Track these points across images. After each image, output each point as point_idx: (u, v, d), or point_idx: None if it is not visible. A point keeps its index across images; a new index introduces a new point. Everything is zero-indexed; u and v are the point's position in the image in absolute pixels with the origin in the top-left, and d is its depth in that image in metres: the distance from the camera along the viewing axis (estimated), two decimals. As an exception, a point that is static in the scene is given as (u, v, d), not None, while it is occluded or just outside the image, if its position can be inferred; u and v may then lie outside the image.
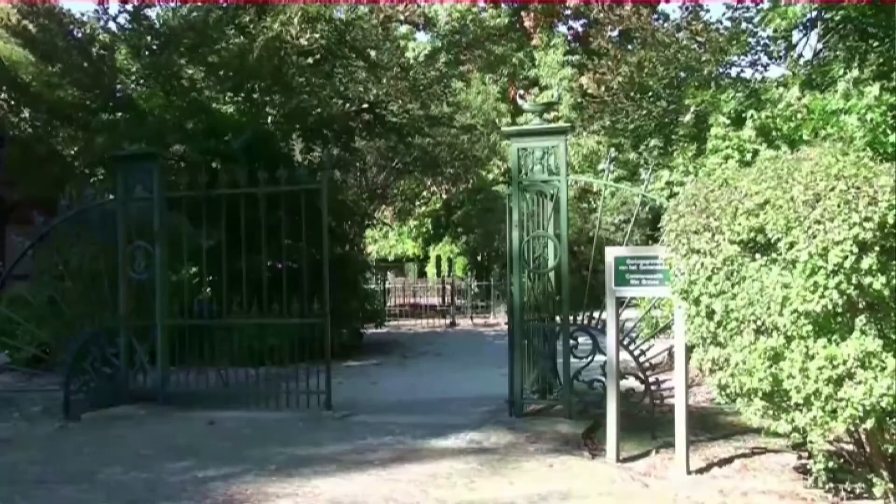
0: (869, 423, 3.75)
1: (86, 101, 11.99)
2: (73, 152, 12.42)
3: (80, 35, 11.64)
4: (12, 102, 12.15)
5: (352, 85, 12.00)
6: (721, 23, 9.49)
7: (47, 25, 11.44)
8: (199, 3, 11.40)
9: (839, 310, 3.69)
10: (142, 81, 12.35)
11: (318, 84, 11.80)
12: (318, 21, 11.39)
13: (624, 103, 9.65)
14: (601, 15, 9.74)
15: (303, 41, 11.27)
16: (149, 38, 11.57)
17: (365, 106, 12.32)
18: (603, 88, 9.71)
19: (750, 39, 9.41)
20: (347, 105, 12.03)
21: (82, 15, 12.08)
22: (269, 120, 11.58)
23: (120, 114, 11.66)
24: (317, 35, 11.35)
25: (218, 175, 7.73)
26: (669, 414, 5.84)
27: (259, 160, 8.34)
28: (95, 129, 11.58)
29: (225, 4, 11.43)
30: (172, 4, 11.93)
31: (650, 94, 9.42)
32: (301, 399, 7.24)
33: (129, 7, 11.51)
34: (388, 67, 13.06)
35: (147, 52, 11.78)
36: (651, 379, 6.19)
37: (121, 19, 11.67)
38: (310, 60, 11.42)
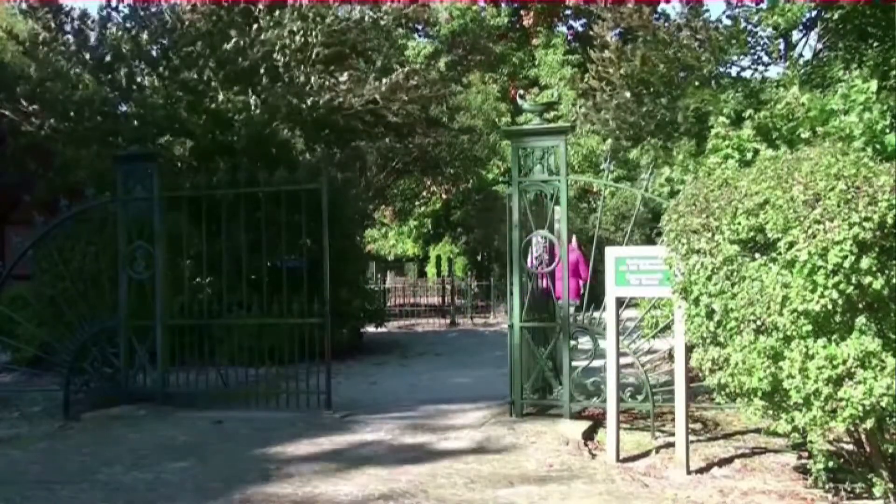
0: (869, 423, 3.76)
1: (89, 98, 11.93)
2: (75, 151, 12.37)
3: (82, 30, 11.59)
4: (17, 100, 12.10)
5: (356, 85, 11.96)
6: (721, 21, 9.48)
7: (48, 21, 11.38)
8: (210, 3, 11.31)
9: (839, 310, 3.69)
10: (146, 77, 12.30)
11: (326, 84, 11.77)
12: (324, 20, 11.38)
13: (626, 98, 9.60)
14: (607, 14, 9.69)
15: (320, 38, 11.22)
16: (155, 34, 11.52)
17: (368, 106, 12.29)
18: (605, 83, 9.66)
19: (749, 39, 9.39)
20: (348, 106, 11.99)
21: (84, 12, 12.04)
22: (266, 118, 11.53)
23: (124, 110, 11.62)
24: (336, 29, 11.32)
25: (218, 175, 7.73)
26: (669, 414, 5.86)
27: (262, 159, 8.35)
28: (97, 127, 11.54)
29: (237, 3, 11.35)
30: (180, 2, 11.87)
31: (651, 90, 9.38)
32: (301, 399, 7.24)
33: (130, 5, 11.49)
34: (389, 69, 13.03)
35: (152, 49, 11.73)
36: (651, 379, 6.20)
37: (124, 15, 11.65)
38: (322, 56, 11.38)
